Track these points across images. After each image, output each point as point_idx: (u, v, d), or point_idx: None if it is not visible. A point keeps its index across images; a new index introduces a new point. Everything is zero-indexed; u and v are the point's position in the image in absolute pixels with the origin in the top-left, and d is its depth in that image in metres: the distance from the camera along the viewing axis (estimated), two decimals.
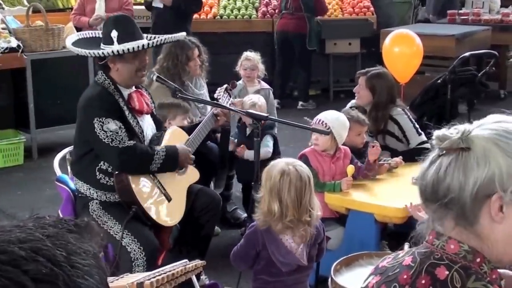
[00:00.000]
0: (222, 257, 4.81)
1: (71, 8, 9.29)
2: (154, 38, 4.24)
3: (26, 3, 8.93)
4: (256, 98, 5.30)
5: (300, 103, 9.69)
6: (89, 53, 4.06)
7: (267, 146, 5.20)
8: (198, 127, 4.54)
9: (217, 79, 6.91)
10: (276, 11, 10.16)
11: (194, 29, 8.99)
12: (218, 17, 10.27)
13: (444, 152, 1.71)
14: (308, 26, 9.52)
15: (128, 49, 3.97)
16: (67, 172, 4.47)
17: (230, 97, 4.91)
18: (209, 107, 5.64)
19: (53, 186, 6.46)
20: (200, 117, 5.25)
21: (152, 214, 3.98)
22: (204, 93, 5.73)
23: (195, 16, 10.07)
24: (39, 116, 7.31)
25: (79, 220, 1.15)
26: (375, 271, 1.88)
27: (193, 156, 4.31)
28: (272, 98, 6.32)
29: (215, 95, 4.85)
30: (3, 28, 7.36)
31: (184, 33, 4.57)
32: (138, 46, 4.00)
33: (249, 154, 5.08)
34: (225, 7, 10.40)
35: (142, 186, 4.05)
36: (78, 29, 7.98)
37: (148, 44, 4.12)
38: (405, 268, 1.75)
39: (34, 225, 1.11)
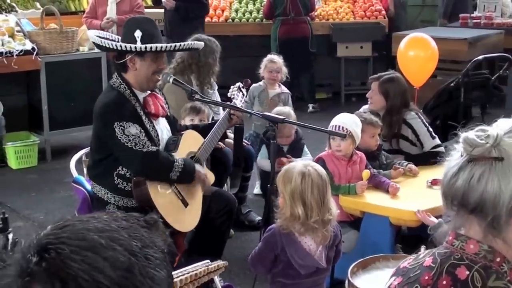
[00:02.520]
0: (236, 259, 4.83)
1: (83, 11, 9.31)
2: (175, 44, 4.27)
3: (39, 6, 8.98)
4: (287, 110, 5.31)
5: (311, 105, 9.69)
6: (116, 45, 4.04)
7: (306, 154, 5.23)
8: (213, 128, 4.53)
9: (229, 81, 6.93)
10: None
11: (206, 32, 9.01)
12: (230, 20, 10.29)
13: (475, 159, 1.71)
14: (310, 29, 9.55)
15: (152, 48, 3.98)
16: (83, 174, 4.50)
17: (244, 95, 4.91)
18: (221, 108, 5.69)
19: (67, 187, 6.51)
20: (212, 116, 5.27)
21: (169, 220, 3.97)
22: (215, 92, 5.74)
23: (207, 19, 10.11)
24: (53, 118, 7.34)
25: (148, 217, 1.21)
26: (397, 272, 1.89)
27: (210, 183, 4.34)
28: (290, 102, 6.37)
29: (229, 94, 4.86)
30: (17, 31, 7.38)
31: (202, 43, 4.58)
32: (163, 47, 4.03)
33: None
34: (237, 10, 10.42)
35: (160, 191, 4.05)
36: None
37: (172, 47, 4.15)
38: (426, 269, 1.76)
39: (108, 218, 1.16)
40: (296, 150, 5.33)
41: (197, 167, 4.21)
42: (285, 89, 6.39)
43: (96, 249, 1.07)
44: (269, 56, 6.36)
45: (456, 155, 1.76)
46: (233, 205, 4.53)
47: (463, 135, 1.74)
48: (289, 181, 3.37)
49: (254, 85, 6.06)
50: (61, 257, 1.05)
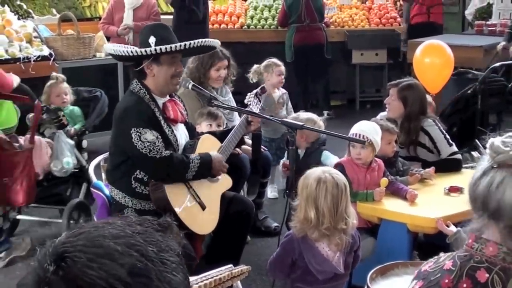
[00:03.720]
0: (253, 265, 4.79)
1: (99, 17, 9.37)
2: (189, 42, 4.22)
3: (55, 12, 9.03)
4: (315, 117, 5.29)
5: (326, 112, 9.70)
6: (128, 51, 4.07)
7: (328, 159, 5.04)
8: (230, 134, 4.53)
9: (243, 88, 6.93)
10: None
11: (221, 38, 9.01)
12: (245, 26, 10.33)
13: (498, 165, 1.72)
14: (325, 35, 9.57)
15: (166, 49, 4.01)
16: (102, 179, 4.52)
17: (261, 102, 4.94)
18: (235, 114, 5.70)
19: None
20: (226, 123, 5.28)
21: (187, 222, 3.99)
22: (229, 99, 5.73)
23: (223, 25, 10.16)
24: None
25: (162, 220, 1.21)
26: (418, 275, 1.92)
27: (227, 165, 4.32)
28: (289, 101, 6.45)
29: (246, 101, 4.85)
30: (35, 37, 7.44)
31: (218, 41, 4.59)
32: (176, 46, 4.05)
33: None
34: (252, 17, 10.47)
35: (178, 194, 4.06)
36: (107, 38, 8.08)
37: (186, 45, 4.13)
38: (446, 273, 1.79)
39: (123, 223, 1.16)
40: (311, 157, 5.29)
41: (212, 154, 4.21)
42: (282, 89, 6.43)
43: (113, 256, 1.07)
44: (274, 60, 6.37)
45: (485, 159, 1.77)
46: (251, 209, 4.54)
47: (490, 140, 1.75)
48: (306, 186, 3.43)
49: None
50: (78, 265, 1.05)
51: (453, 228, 3.85)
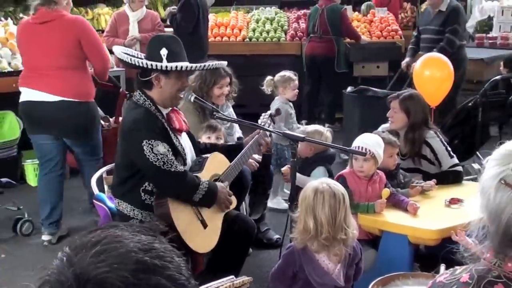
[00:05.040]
0: (255, 277, 4.77)
1: (102, 30, 9.38)
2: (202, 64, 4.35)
3: None
4: (322, 128, 5.32)
5: (327, 125, 9.68)
6: (143, 62, 4.04)
7: (313, 177, 4.92)
8: (240, 155, 4.50)
9: (245, 101, 6.95)
10: (304, 34, 10.23)
11: (223, 51, 9.09)
12: (247, 39, 10.37)
13: (506, 182, 1.74)
14: (336, 49, 9.57)
15: (178, 67, 4.02)
16: (104, 191, 4.50)
17: (274, 123, 4.89)
18: (235, 128, 5.72)
19: (85, 205, 6.54)
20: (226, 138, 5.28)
21: (187, 240, 3.96)
22: (228, 114, 5.68)
23: (225, 38, 10.20)
24: None
25: (149, 224, 1.21)
26: (433, 286, 1.90)
27: (232, 200, 4.31)
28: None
29: (259, 121, 4.77)
30: None
31: (225, 62, 4.68)
32: (188, 67, 4.07)
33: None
34: (254, 30, 10.50)
35: (181, 211, 4.04)
36: (111, 51, 8.08)
37: (197, 66, 4.20)
38: (463, 285, 1.77)
39: (147, 240, 1.14)
40: (303, 167, 5.20)
41: (220, 186, 4.20)
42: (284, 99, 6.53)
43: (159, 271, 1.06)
44: (288, 75, 6.42)
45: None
46: (252, 230, 4.51)
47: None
48: (304, 197, 3.47)
49: (281, 106, 6.17)
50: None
51: (469, 240, 3.82)
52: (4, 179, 6.25)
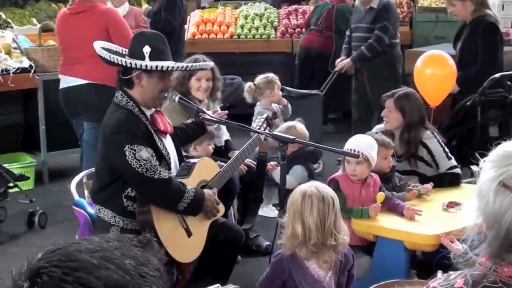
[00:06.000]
0: (244, 285, 4.66)
1: None
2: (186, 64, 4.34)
3: (35, 21, 8.82)
4: (293, 123, 5.30)
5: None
6: (123, 61, 3.88)
7: (292, 176, 4.98)
8: (232, 159, 4.45)
9: (234, 100, 6.77)
10: (302, 27, 9.94)
11: (210, 48, 8.90)
12: (236, 36, 10.13)
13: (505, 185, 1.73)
14: (333, 47, 9.36)
15: (162, 68, 3.87)
16: (83, 196, 4.36)
17: (271, 128, 4.77)
18: (223, 130, 5.54)
19: (65, 211, 6.37)
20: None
21: (169, 249, 3.81)
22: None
23: (212, 35, 10.00)
24: (50, 139, 7.19)
25: (141, 237, 1.24)
26: None
27: (219, 208, 4.18)
28: None
29: (255, 125, 4.71)
30: (14, 48, 7.27)
31: (212, 63, 4.66)
32: (170, 67, 3.94)
33: (275, 174, 4.97)
34: (242, 27, 10.25)
35: (164, 218, 3.91)
36: None
37: (178, 67, 4.09)
38: None
39: (100, 239, 1.19)
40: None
41: (208, 194, 4.07)
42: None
43: (89, 269, 1.09)
44: (270, 76, 6.24)
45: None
46: (241, 239, 4.41)
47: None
48: (292, 202, 3.42)
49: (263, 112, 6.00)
50: (53, 280, 1.08)
51: (458, 245, 3.70)
52: (17, 173, 6.30)
